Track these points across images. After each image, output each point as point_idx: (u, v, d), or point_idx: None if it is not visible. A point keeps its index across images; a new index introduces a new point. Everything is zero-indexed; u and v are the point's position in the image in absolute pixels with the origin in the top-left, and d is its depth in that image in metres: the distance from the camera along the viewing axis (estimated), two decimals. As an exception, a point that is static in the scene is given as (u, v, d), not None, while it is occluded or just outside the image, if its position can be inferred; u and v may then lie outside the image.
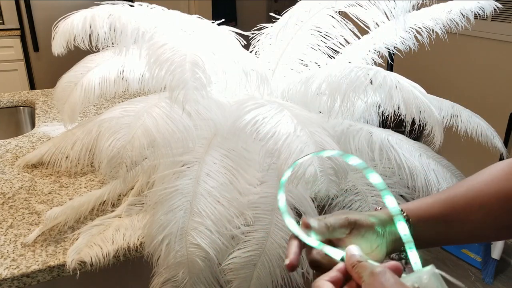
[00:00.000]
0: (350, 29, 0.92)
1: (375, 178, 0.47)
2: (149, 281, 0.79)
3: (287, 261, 0.46)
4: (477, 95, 2.53)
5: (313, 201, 0.83)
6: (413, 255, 0.43)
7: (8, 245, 0.80)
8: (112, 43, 0.78)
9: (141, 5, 0.83)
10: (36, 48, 2.84)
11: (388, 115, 0.89)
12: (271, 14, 1.01)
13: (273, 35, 0.96)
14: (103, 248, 0.79)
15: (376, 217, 0.50)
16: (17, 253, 0.78)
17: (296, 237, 0.48)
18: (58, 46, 0.83)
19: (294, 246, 0.47)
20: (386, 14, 0.86)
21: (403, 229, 0.45)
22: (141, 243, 0.82)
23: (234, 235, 0.77)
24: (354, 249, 0.43)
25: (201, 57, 0.71)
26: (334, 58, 0.95)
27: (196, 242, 0.74)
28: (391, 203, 0.46)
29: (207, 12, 3.59)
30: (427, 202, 0.54)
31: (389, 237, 0.49)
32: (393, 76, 0.82)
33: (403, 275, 0.40)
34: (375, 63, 0.95)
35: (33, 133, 1.30)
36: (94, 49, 0.80)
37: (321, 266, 0.47)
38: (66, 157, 0.92)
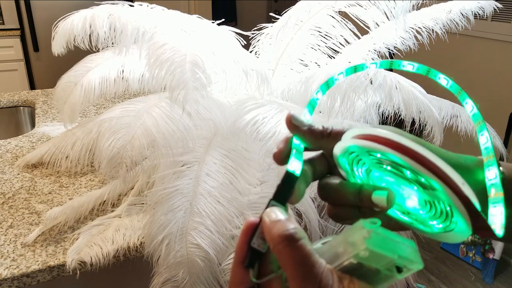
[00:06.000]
0: (350, 29, 0.92)
1: (469, 107, 0.33)
2: (149, 281, 0.79)
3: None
4: (477, 95, 2.53)
5: (313, 201, 0.83)
6: (498, 214, 0.29)
7: (8, 245, 0.80)
8: (112, 43, 0.78)
9: (141, 5, 0.83)
10: (36, 48, 2.84)
11: (388, 115, 0.89)
12: (271, 14, 1.00)
13: (273, 35, 0.96)
14: (103, 248, 0.79)
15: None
16: (17, 253, 0.78)
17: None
18: (58, 46, 0.83)
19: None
20: (386, 14, 0.86)
21: (493, 176, 0.31)
22: (141, 243, 0.82)
23: (234, 235, 0.77)
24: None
25: (201, 57, 0.71)
26: (334, 58, 0.95)
27: (196, 242, 0.74)
28: (485, 143, 0.31)
29: (207, 12, 3.59)
30: None
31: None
32: (393, 76, 0.82)
33: (318, 244, 0.29)
34: (375, 63, 0.94)
35: (33, 133, 1.30)
36: (94, 49, 0.80)
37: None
38: (66, 157, 0.92)
